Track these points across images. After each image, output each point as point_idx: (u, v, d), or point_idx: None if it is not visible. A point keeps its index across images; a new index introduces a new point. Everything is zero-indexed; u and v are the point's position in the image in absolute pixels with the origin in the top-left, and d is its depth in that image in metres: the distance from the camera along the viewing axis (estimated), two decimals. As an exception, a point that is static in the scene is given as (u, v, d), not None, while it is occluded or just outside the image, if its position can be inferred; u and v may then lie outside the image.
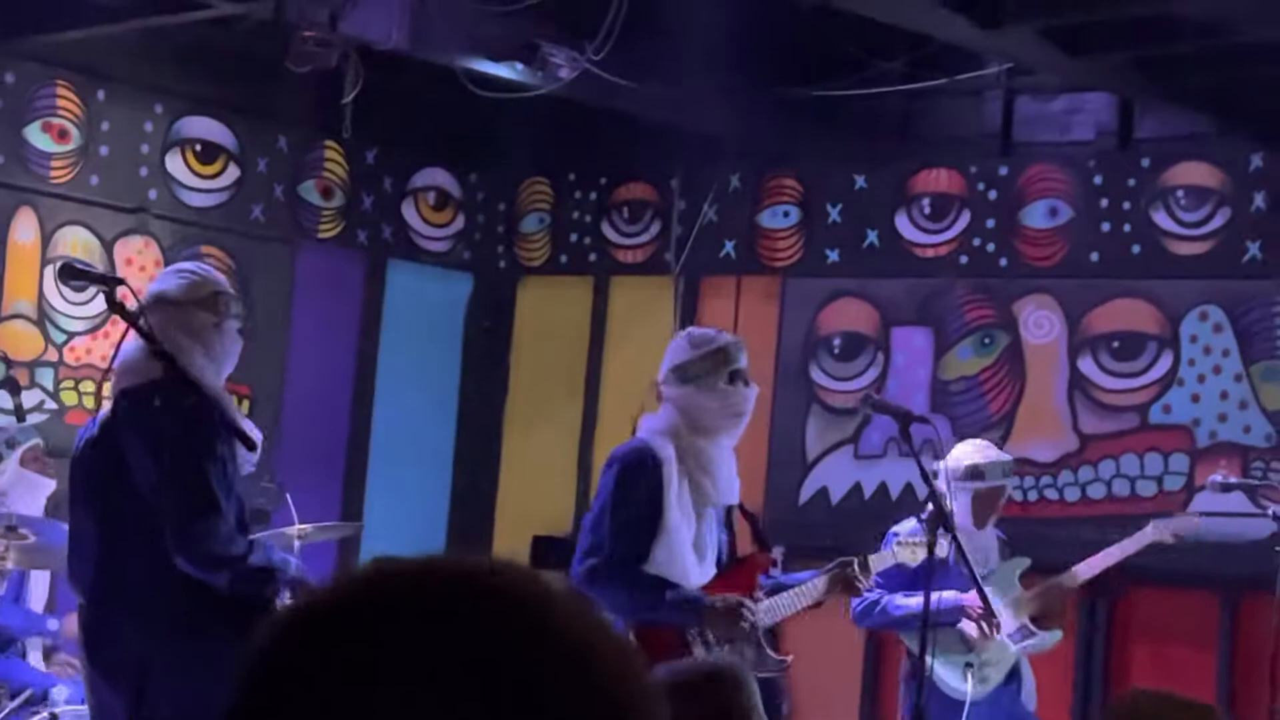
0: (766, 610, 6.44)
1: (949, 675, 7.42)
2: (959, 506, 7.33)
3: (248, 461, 5.36)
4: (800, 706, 8.64)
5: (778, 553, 8.27)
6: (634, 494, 6.19)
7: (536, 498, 10.98)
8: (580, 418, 10.96)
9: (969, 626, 7.36)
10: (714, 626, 6.22)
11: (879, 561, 6.63)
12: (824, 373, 10.15)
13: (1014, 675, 7.57)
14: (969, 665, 7.41)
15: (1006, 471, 7.58)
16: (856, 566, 6.53)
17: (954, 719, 7.32)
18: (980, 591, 6.95)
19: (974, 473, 7.44)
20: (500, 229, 11.36)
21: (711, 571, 6.37)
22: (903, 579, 7.07)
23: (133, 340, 5.28)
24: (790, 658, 6.52)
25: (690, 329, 6.66)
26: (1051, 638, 7.68)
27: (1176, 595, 8.81)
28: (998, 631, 7.39)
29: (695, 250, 10.60)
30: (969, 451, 7.58)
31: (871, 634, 9.49)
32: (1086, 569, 7.62)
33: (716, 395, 6.27)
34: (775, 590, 6.53)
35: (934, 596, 6.94)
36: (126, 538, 5.25)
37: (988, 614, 7.30)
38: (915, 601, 7.07)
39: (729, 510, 6.50)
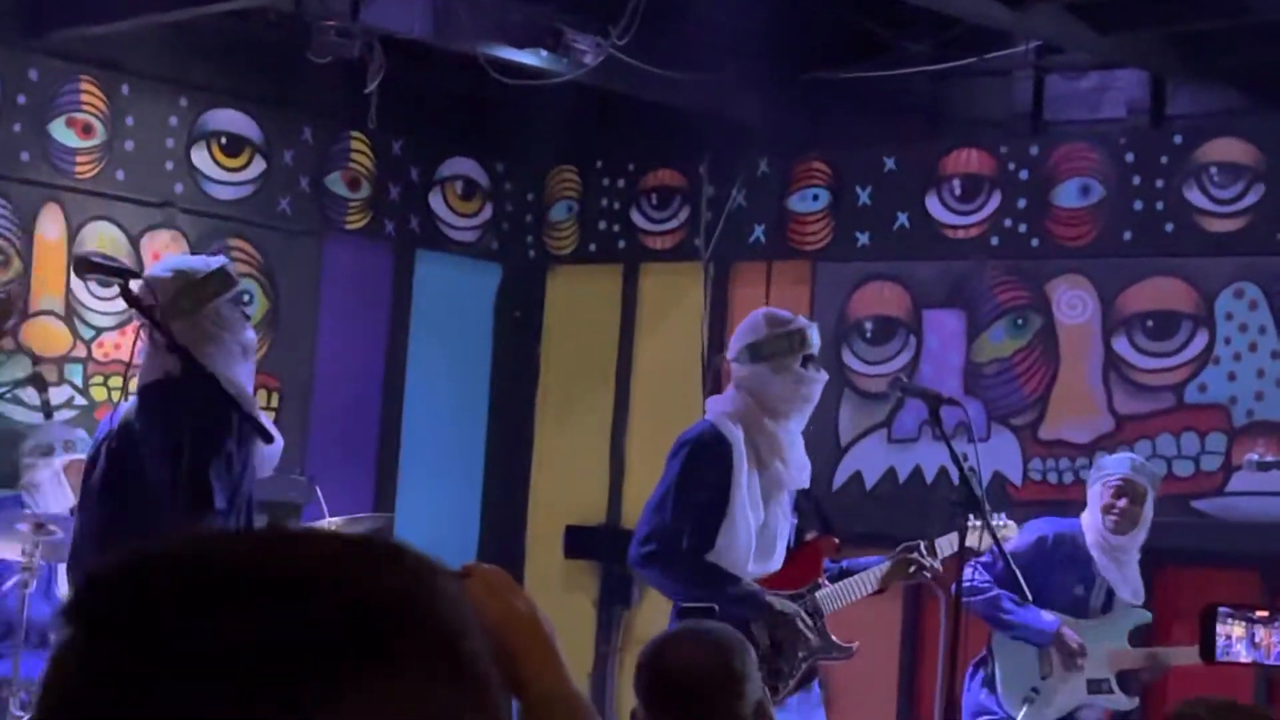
0: (831, 596, 6.37)
1: (1008, 696, 7.32)
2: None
3: (270, 459, 5.29)
4: (837, 687, 8.57)
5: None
6: (701, 478, 6.10)
7: (569, 487, 10.93)
8: (612, 406, 10.91)
9: (1055, 652, 7.25)
10: (771, 624, 6.16)
11: (945, 545, 6.53)
12: (856, 357, 10.07)
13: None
14: (1034, 691, 7.28)
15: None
16: (923, 550, 6.46)
17: None
18: (1017, 586, 6.69)
19: None
20: (528, 218, 11.31)
21: (781, 560, 6.28)
22: (1023, 561, 6.82)
23: (149, 336, 5.23)
24: (856, 644, 6.44)
25: (767, 309, 6.58)
26: (1128, 702, 7.49)
27: (1215, 575, 8.71)
28: (1080, 665, 7.25)
29: (724, 236, 10.53)
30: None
31: (909, 615, 9.44)
32: (1184, 655, 7.24)
33: (790, 377, 6.20)
34: (840, 576, 6.46)
35: (1040, 615, 6.95)
36: (130, 534, 5.21)
37: (1080, 651, 7.21)
38: (1017, 617, 7.12)
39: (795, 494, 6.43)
